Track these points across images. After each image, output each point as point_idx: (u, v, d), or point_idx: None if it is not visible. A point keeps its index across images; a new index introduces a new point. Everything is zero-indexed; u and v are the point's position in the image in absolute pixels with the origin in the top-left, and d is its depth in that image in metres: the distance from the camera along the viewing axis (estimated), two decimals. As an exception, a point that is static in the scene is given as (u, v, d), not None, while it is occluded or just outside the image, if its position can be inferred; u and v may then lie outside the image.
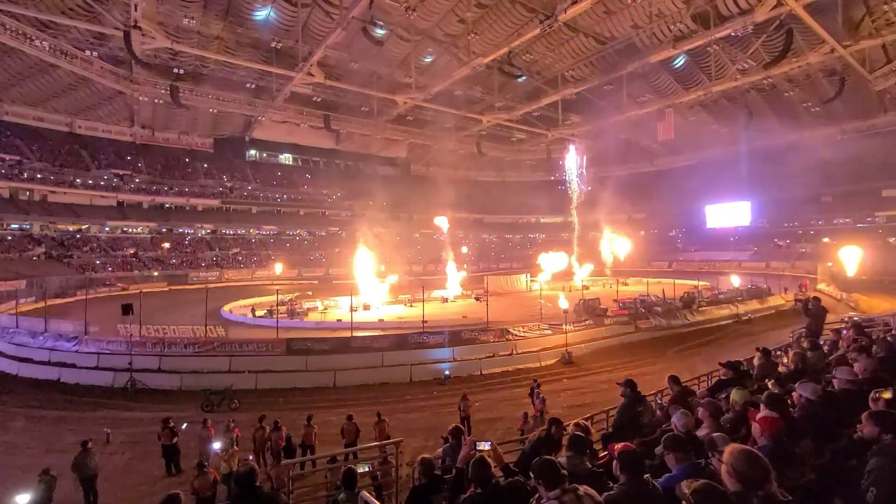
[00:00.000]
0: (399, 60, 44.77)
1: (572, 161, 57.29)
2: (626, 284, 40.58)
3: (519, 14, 37.04)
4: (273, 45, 41.08)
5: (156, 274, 47.57)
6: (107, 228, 50.81)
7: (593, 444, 4.75)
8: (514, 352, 20.71)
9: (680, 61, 43.59)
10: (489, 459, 3.24)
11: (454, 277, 40.64)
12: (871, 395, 3.42)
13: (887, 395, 3.30)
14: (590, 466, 3.39)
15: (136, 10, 32.01)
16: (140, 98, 47.58)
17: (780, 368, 6.63)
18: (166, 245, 52.54)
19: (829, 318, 12.02)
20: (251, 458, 10.54)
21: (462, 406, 12.87)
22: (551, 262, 46.41)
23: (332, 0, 35.12)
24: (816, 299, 11.03)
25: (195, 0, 36.34)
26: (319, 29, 38.57)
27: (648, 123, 51.13)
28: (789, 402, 4.22)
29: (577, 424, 4.64)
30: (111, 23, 34.43)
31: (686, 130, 53.72)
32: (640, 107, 48.69)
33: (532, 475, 2.65)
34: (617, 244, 52.02)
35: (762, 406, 3.64)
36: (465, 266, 45.32)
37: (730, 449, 2.35)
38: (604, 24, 39.51)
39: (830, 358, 6.57)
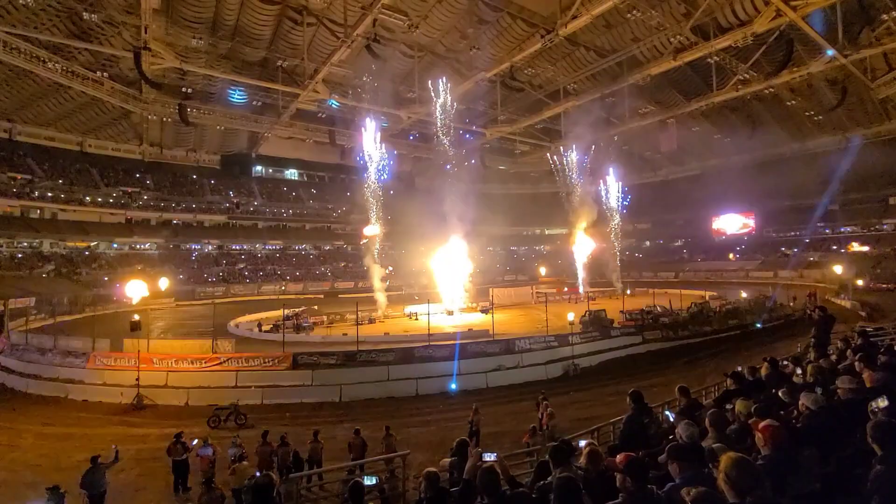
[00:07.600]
0: (403, 75, 45.44)
1: (575, 172, 57.37)
2: (633, 296, 40.30)
3: (520, 29, 37.60)
4: (279, 63, 41.88)
5: (162, 290, 47.73)
6: (115, 245, 51.39)
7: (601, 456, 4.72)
8: (520, 364, 20.60)
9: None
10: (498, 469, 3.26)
11: (459, 290, 40.53)
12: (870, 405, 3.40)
13: (883, 402, 3.28)
14: (582, 474, 3.40)
15: (146, 32, 32.83)
16: (149, 117, 48.46)
17: (795, 378, 6.59)
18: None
19: (840, 327, 11.93)
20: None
21: (475, 419, 12.76)
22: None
23: (337, 19, 35.84)
24: (823, 308, 10.98)
25: (203, 21, 37.24)
26: (324, 47, 39.32)
27: (651, 134, 51.32)
28: (797, 411, 4.21)
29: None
30: (122, 44, 35.32)
31: (689, 141, 53.83)
32: (642, 118, 48.95)
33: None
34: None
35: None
36: (471, 279, 45.27)
37: (724, 457, 2.38)
38: (604, 38, 39.97)
39: (839, 367, 6.53)
